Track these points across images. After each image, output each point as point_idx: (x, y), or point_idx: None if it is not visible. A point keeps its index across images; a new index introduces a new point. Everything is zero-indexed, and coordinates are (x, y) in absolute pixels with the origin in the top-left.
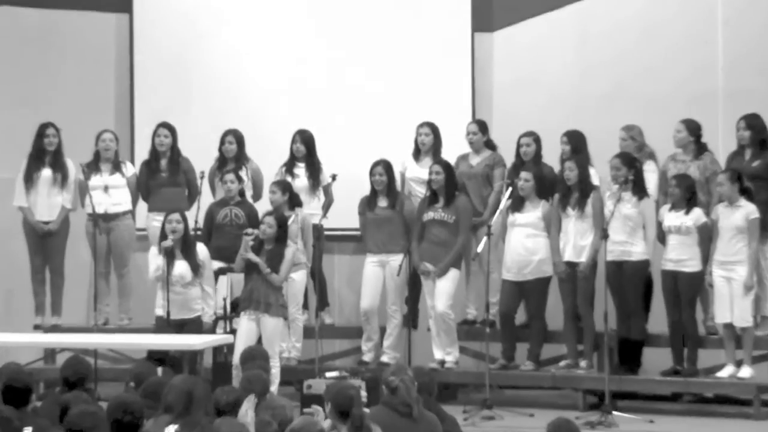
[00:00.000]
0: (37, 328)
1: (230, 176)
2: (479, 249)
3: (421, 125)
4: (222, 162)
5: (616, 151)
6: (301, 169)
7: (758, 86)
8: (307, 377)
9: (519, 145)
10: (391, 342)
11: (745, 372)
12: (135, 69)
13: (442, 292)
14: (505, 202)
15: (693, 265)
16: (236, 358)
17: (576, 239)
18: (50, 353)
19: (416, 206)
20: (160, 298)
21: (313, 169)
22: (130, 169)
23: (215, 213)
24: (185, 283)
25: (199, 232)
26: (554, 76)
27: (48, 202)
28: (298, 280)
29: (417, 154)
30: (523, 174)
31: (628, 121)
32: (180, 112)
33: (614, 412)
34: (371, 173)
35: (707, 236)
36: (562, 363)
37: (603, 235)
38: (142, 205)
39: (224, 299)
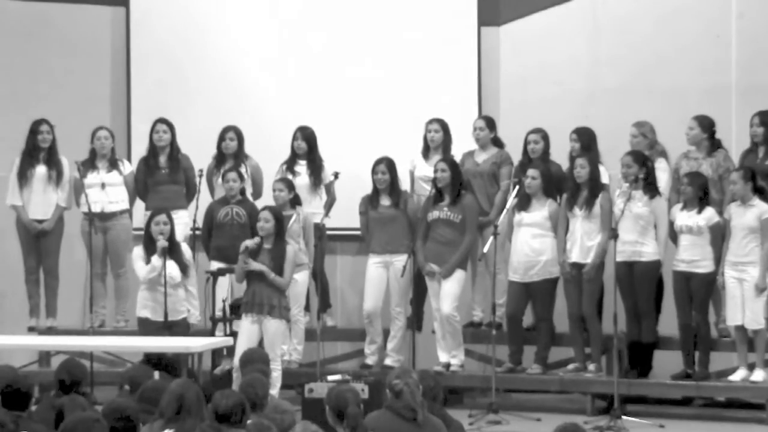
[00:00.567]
0: (31, 330)
1: (232, 174)
2: (485, 249)
3: (431, 122)
4: (220, 159)
5: (627, 148)
6: (302, 167)
7: None
8: (309, 381)
9: (527, 142)
10: (395, 345)
11: (758, 375)
12: (131, 64)
13: (447, 294)
14: (511, 201)
15: (706, 266)
16: (237, 361)
17: (583, 240)
18: (45, 356)
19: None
20: (144, 299)
21: (315, 166)
22: (128, 167)
23: (215, 212)
24: (174, 284)
25: (198, 232)
26: (562, 71)
27: (42, 201)
28: (301, 281)
29: (426, 151)
30: (530, 171)
31: (639, 117)
32: (178, 109)
33: (623, 417)
34: (373, 171)
35: (720, 236)
36: (570, 366)
37: (613, 234)
38: (139, 205)
39: (223, 300)
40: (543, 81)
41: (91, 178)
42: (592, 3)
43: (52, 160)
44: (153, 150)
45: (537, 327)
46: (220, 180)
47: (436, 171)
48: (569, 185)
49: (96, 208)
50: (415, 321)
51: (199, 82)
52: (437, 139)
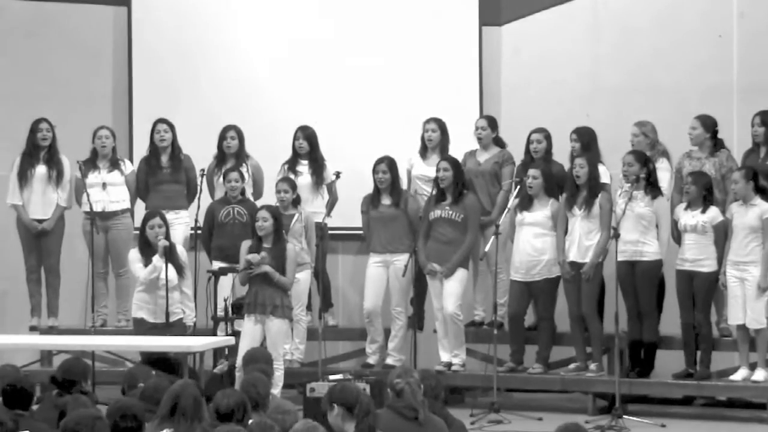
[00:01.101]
0: (33, 329)
1: (234, 174)
2: (487, 248)
3: (428, 121)
4: (220, 159)
5: (628, 148)
6: (304, 167)
7: None
8: (310, 380)
9: (529, 141)
10: (396, 344)
11: (760, 375)
12: (133, 64)
13: (450, 293)
14: (513, 200)
15: (709, 265)
16: (239, 361)
17: (581, 239)
18: (47, 356)
19: (422, 205)
20: (141, 300)
21: (317, 166)
22: (129, 167)
23: (216, 211)
24: (170, 287)
25: (199, 231)
26: (564, 71)
27: (43, 200)
28: (302, 280)
29: (424, 151)
30: (532, 171)
31: (640, 117)
32: (179, 108)
33: (625, 416)
34: (374, 171)
35: (723, 235)
36: (572, 366)
37: (614, 234)
38: (140, 205)
39: (225, 300)
40: (544, 80)
41: (93, 177)
42: (594, 2)
43: (53, 160)
44: (154, 150)
45: (538, 326)
46: (220, 180)
47: (438, 170)
48: (569, 185)
49: (97, 208)
50: (417, 320)
51: (199, 81)
52: (435, 139)
